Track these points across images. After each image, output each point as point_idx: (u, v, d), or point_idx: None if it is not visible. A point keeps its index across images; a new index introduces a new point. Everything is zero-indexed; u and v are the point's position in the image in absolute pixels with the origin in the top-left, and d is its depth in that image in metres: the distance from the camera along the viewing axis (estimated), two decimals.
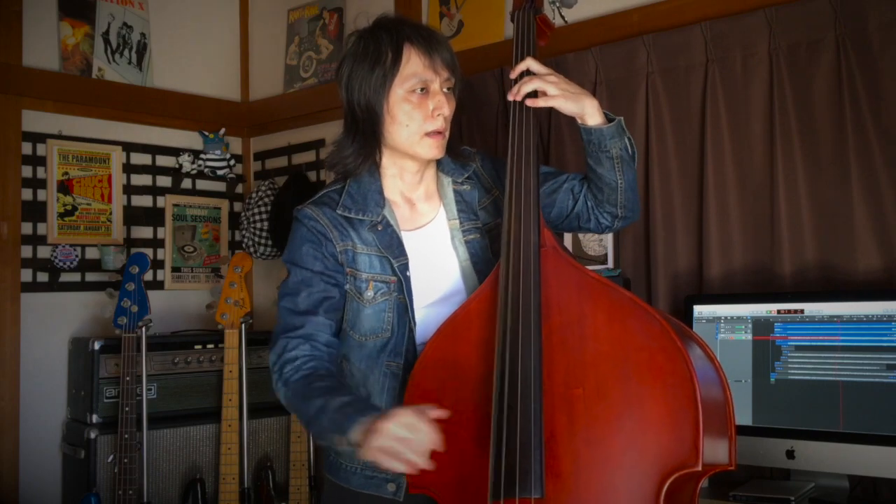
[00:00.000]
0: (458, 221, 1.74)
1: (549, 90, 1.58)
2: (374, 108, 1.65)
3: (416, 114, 1.64)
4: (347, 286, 1.68)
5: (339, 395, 1.51)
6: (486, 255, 1.73)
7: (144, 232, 3.59)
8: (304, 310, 1.64)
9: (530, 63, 1.61)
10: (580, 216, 1.74)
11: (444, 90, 1.66)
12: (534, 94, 1.60)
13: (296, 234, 1.71)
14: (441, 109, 1.65)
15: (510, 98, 1.62)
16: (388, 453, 1.36)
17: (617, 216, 1.72)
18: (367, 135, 1.68)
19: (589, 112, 1.60)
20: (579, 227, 1.77)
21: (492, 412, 1.45)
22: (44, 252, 3.29)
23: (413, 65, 1.63)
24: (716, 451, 1.38)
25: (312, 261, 1.67)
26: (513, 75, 1.64)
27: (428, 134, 1.65)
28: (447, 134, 1.69)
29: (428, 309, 1.69)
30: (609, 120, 1.62)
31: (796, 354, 2.09)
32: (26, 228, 3.25)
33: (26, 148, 3.26)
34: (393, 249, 1.68)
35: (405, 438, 1.35)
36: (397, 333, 1.68)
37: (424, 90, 1.64)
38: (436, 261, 1.72)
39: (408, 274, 1.67)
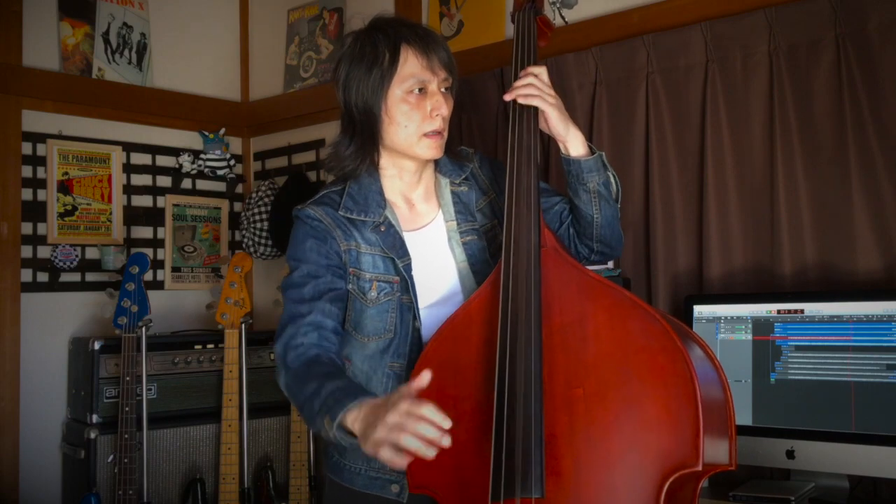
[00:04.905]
0: (455, 223, 1.74)
1: (546, 96, 1.58)
2: (371, 109, 1.65)
3: (414, 114, 1.64)
4: (350, 286, 1.68)
5: (334, 380, 1.47)
6: (483, 256, 1.73)
7: (144, 232, 3.59)
8: (309, 298, 1.63)
9: (540, 72, 1.60)
10: (560, 240, 1.74)
11: (442, 90, 1.67)
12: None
13: (298, 232, 1.70)
14: (439, 110, 1.65)
15: (507, 98, 1.61)
16: (385, 444, 1.28)
17: (593, 250, 1.72)
18: (365, 136, 1.68)
19: (572, 141, 1.62)
20: None
21: (492, 412, 1.45)
22: (44, 252, 3.29)
23: (410, 65, 1.63)
24: (716, 451, 1.38)
25: (317, 256, 1.66)
26: (524, 74, 1.62)
27: (426, 134, 1.65)
28: (445, 134, 1.69)
29: (428, 310, 1.69)
30: (592, 153, 1.63)
31: (796, 354, 2.09)
32: (26, 228, 3.25)
33: (26, 148, 3.26)
34: (396, 249, 1.68)
35: (402, 425, 1.26)
36: (400, 334, 1.68)
37: (422, 91, 1.64)
38: (434, 262, 1.72)
39: (412, 274, 1.68)
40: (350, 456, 1.73)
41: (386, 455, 1.28)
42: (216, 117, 3.81)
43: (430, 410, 1.27)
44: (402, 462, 1.28)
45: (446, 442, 1.26)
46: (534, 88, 1.58)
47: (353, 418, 1.36)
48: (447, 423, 1.27)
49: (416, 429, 1.25)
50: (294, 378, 1.55)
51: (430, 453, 1.26)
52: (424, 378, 1.32)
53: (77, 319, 3.35)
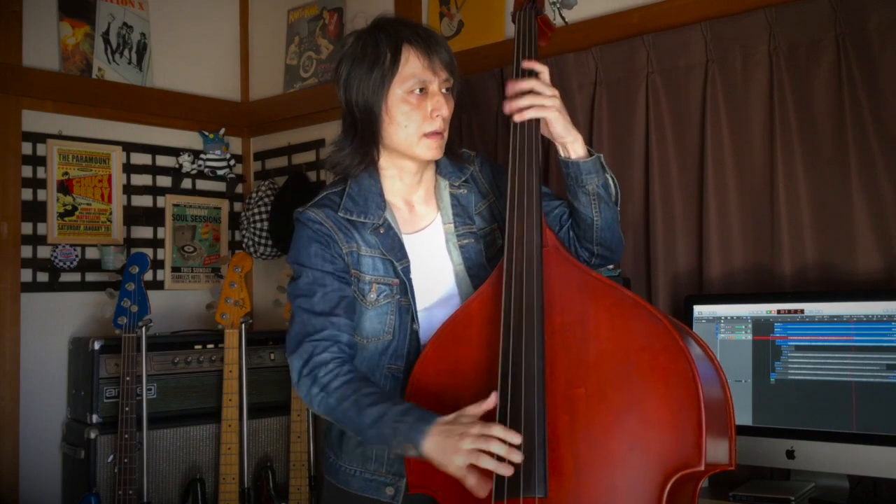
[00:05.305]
0: (453, 225, 1.74)
1: (546, 103, 1.56)
2: (372, 108, 1.65)
3: (414, 114, 1.64)
4: (352, 287, 1.68)
5: (397, 403, 1.50)
6: (479, 259, 1.72)
7: (144, 232, 3.59)
8: (322, 311, 1.62)
9: (542, 71, 1.59)
10: (561, 241, 1.73)
11: (443, 91, 1.66)
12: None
13: (301, 235, 1.69)
14: (440, 110, 1.64)
15: (506, 111, 1.59)
16: (467, 470, 1.37)
17: (594, 253, 1.71)
18: (365, 135, 1.67)
19: (572, 143, 1.61)
20: None
21: (495, 412, 1.44)
22: (44, 252, 3.29)
23: (412, 66, 1.63)
24: (717, 450, 1.38)
25: (322, 261, 1.65)
26: (526, 65, 1.60)
27: (426, 135, 1.65)
28: (446, 135, 1.69)
29: (426, 312, 1.69)
30: (590, 155, 1.63)
31: (796, 354, 2.09)
32: (26, 228, 3.25)
33: (26, 148, 3.26)
34: (395, 252, 1.68)
35: (478, 448, 1.36)
36: (398, 336, 1.68)
37: (423, 91, 1.64)
38: (433, 264, 1.72)
39: (410, 276, 1.68)
40: (346, 458, 1.73)
41: (471, 482, 1.37)
42: (216, 117, 3.81)
43: (500, 430, 1.37)
44: (485, 488, 1.38)
45: (517, 458, 1.36)
46: (532, 98, 1.56)
47: (430, 445, 1.42)
48: (517, 440, 1.37)
49: (490, 449, 1.36)
50: (341, 400, 1.54)
51: (507, 472, 1.36)
52: (491, 401, 1.43)
53: (77, 319, 3.35)
